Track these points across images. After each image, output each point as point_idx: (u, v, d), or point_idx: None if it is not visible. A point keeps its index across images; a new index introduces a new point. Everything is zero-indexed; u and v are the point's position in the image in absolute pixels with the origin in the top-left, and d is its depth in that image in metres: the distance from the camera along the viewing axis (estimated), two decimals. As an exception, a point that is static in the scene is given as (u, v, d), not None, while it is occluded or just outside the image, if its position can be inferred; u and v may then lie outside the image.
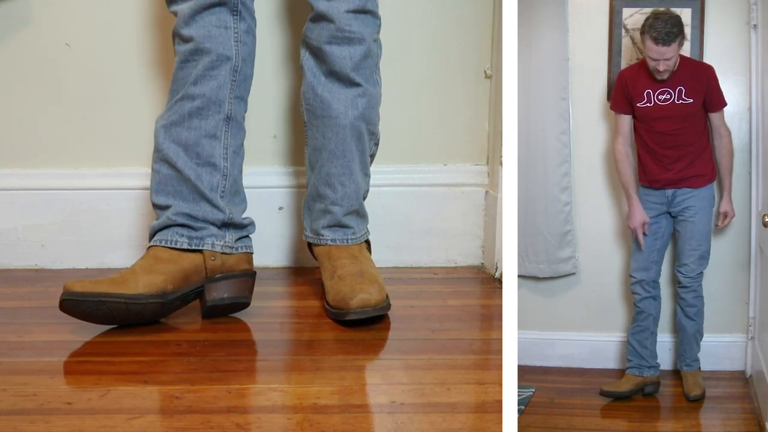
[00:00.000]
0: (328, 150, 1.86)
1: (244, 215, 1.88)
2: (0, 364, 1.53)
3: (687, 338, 2.12)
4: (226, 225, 1.82)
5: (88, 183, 2.17)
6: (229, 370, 1.52)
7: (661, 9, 2.00)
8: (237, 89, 1.81)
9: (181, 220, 1.78)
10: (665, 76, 2.00)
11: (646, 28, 1.95)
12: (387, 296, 1.80)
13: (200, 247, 1.77)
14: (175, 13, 1.78)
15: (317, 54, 1.83)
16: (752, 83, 2.20)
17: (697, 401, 2.05)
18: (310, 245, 1.97)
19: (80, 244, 2.18)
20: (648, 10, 2.19)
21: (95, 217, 2.18)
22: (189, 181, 1.78)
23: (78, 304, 1.66)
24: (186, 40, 1.76)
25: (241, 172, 1.87)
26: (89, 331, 1.71)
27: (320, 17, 1.80)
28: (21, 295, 1.97)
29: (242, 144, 1.87)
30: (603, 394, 2.08)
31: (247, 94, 1.86)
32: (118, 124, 2.17)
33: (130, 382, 1.45)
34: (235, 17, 1.78)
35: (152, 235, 1.80)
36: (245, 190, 2.13)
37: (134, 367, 1.53)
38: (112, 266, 2.18)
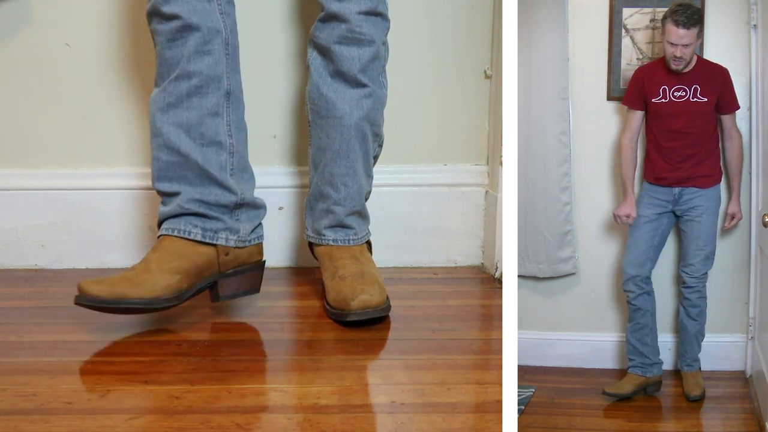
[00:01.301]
0: (332, 150, 1.86)
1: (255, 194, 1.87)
2: (0, 364, 1.53)
3: (688, 338, 2.12)
4: (239, 206, 1.79)
5: (88, 183, 2.17)
6: (229, 370, 1.52)
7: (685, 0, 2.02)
8: (231, 62, 1.78)
9: (194, 208, 1.74)
10: (681, 66, 2.01)
11: (668, 13, 1.98)
12: (387, 297, 1.80)
13: (214, 242, 1.75)
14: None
15: (325, 54, 1.83)
16: (752, 83, 2.20)
17: (697, 401, 2.05)
18: (311, 245, 1.97)
19: (80, 244, 2.18)
20: (648, 10, 2.20)
21: (95, 217, 2.18)
22: (196, 165, 1.74)
23: (95, 308, 1.66)
24: (169, 17, 1.70)
25: (246, 147, 1.85)
26: (89, 331, 1.71)
27: (331, 17, 1.80)
28: (21, 295, 1.97)
29: (243, 118, 1.84)
30: (605, 394, 2.08)
31: (239, 66, 1.82)
32: (118, 124, 2.17)
33: (130, 382, 1.45)
34: None
35: (161, 222, 1.77)
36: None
37: (134, 367, 1.53)
38: (112, 266, 2.18)
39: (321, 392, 1.42)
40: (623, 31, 2.25)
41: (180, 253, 1.72)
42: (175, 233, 1.73)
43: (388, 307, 1.79)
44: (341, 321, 1.76)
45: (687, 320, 2.11)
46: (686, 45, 1.98)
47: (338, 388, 1.44)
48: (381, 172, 2.18)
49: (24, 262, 2.18)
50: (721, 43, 2.23)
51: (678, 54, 1.99)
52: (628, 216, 2.09)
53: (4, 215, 2.16)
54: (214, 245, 1.75)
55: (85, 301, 1.64)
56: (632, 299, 2.11)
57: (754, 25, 2.18)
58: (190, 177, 1.74)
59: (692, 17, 1.96)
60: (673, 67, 2.02)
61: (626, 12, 2.25)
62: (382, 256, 2.17)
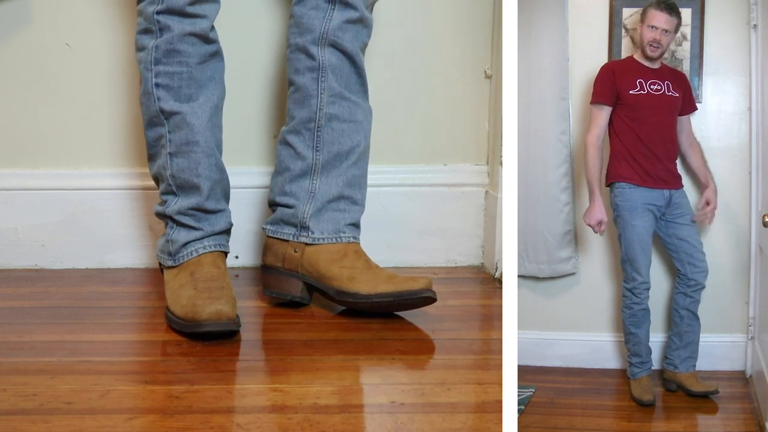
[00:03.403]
0: (357, 153, 1.85)
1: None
2: (0, 364, 1.53)
3: (697, 338, 2.11)
4: None
5: (88, 183, 2.17)
6: (229, 370, 1.52)
7: None
8: None
9: (232, 222, 1.89)
10: (657, 54, 2.03)
11: (652, 2, 2.02)
12: None
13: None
14: (199, 15, 1.73)
15: (350, 58, 1.82)
16: (752, 83, 2.20)
17: (714, 395, 2.05)
18: (307, 245, 1.87)
19: (80, 244, 2.18)
20: (648, 10, 2.20)
21: (95, 217, 2.18)
22: (228, 184, 1.85)
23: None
24: (211, 41, 1.77)
25: None
26: (90, 330, 1.71)
27: (359, 21, 1.80)
28: (21, 295, 1.97)
29: None
30: (638, 400, 2.08)
31: None
32: (118, 124, 2.17)
33: (130, 382, 1.45)
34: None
35: (201, 238, 1.80)
36: (245, 191, 2.15)
37: (134, 367, 1.53)
38: (112, 266, 2.19)
39: (321, 392, 1.42)
40: (623, 31, 2.26)
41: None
42: (222, 248, 1.81)
43: None
44: (417, 297, 1.76)
45: (695, 321, 2.10)
46: (666, 31, 2.01)
47: (338, 388, 1.44)
48: (381, 172, 2.18)
49: (24, 262, 2.19)
50: (721, 43, 2.23)
51: (658, 37, 2.01)
52: (600, 224, 2.05)
53: (3, 215, 2.16)
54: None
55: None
56: (647, 305, 2.09)
57: (754, 25, 2.18)
58: (224, 192, 1.83)
59: (674, 7, 2.00)
60: (649, 53, 2.03)
61: (626, 12, 2.25)
62: (382, 256, 2.17)
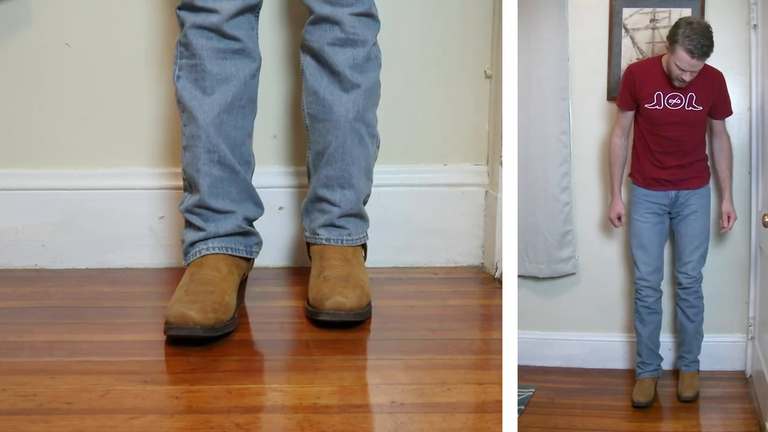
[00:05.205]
0: (329, 153, 1.85)
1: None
2: (0, 364, 1.53)
3: (688, 339, 2.12)
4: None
5: (88, 183, 2.17)
6: (229, 370, 1.52)
7: (693, 17, 1.98)
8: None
9: (245, 226, 1.84)
10: (684, 86, 1.99)
11: (681, 38, 1.90)
12: (369, 304, 1.79)
13: (251, 256, 1.86)
14: (209, 9, 1.74)
15: (318, 56, 1.83)
16: (752, 83, 2.20)
17: (688, 402, 2.05)
18: (308, 245, 1.97)
19: (80, 244, 2.18)
20: (648, 10, 2.20)
21: (95, 217, 2.18)
22: (244, 182, 1.83)
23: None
24: (230, 38, 1.76)
25: None
26: (90, 330, 1.72)
27: (322, 20, 1.80)
28: (21, 295, 1.97)
29: None
30: (637, 403, 2.07)
31: None
32: (118, 124, 2.17)
33: (130, 382, 1.45)
34: (256, 19, 1.82)
35: (205, 239, 1.79)
36: (245, 190, 2.15)
37: (134, 367, 1.53)
38: (112, 266, 2.19)
39: (321, 392, 1.42)
40: (623, 31, 2.25)
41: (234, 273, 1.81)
42: (230, 252, 1.80)
43: (365, 313, 1.76)
44: (313, 320, 1.75)
45: (686, 321, 2.11)
46: (696, 71, 1.94)
47: (338, 388, 1.44)
48: (381, 172, 2.17)
49: (24, 262, 2.19)
50: (721, 43, 2.22)
51: (687, 78, 1.95)
52: (619, 217, 2.10)
53: (3, 215, 2.16)
54: (249, 259, 1.87)
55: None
56: (650, 304, 2.09)
57: (754, 25, 2.18)
58: (233, 194, 1.81)
59: (707, 45, 1.89)
60: (677, 84, 1.99)
61: (626, 12, 2.25)
62: (382, 256, 2.17)
